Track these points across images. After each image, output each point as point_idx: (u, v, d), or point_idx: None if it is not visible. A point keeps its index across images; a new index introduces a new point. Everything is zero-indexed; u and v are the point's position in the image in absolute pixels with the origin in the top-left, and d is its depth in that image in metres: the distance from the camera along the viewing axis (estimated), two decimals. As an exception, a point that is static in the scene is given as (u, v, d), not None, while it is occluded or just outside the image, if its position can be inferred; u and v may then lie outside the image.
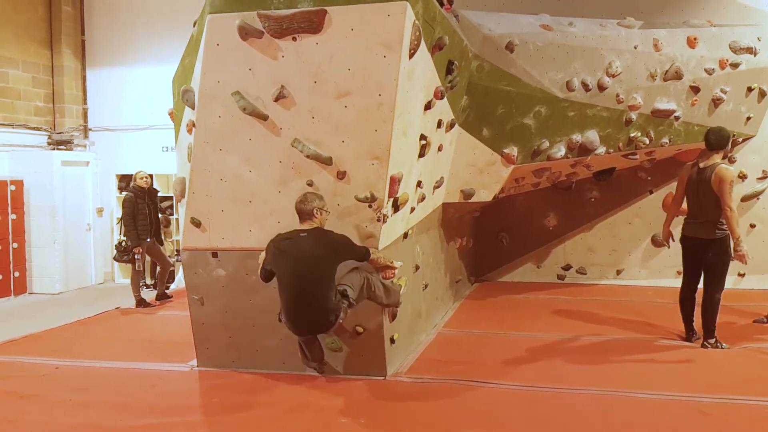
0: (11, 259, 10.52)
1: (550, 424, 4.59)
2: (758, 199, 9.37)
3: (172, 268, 10.33)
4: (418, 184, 6.01)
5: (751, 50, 8.70)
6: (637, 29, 8.15)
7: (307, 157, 5.01)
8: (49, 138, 11.82)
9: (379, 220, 5.24)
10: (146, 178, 9.03)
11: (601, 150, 8.04)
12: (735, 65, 8.61)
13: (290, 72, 4.80)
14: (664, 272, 9.78)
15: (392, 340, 5.71)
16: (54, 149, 11.68)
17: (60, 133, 11.89)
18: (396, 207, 5.42)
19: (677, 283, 9.43)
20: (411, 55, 4.80)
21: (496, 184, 7.62)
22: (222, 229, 5.51)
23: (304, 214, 4.99)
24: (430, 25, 5.08)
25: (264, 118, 4.97)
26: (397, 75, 4.66)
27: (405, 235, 6.10)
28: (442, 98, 5.82)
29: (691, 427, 4.50)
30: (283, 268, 4.96)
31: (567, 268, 10.09)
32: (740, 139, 9.21)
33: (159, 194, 9.74)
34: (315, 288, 4.86)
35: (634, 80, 7.96)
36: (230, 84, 4.93)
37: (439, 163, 6.72)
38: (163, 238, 9.59)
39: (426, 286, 6.95)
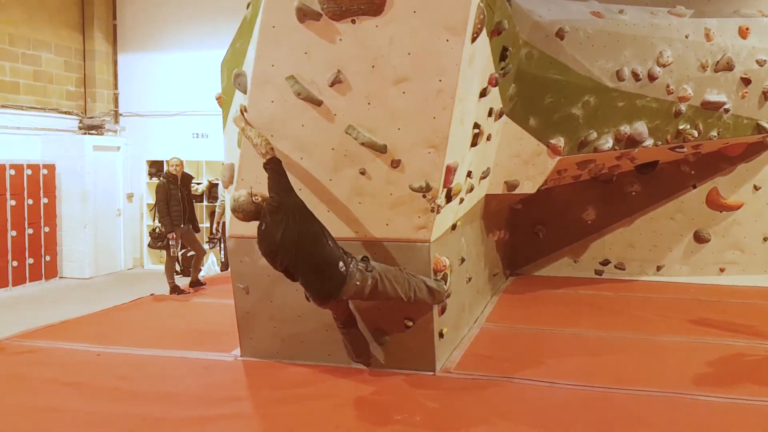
0: (42, 244, 10.50)
1: (611, 425, 4.42)
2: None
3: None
4: (468, 174, 5.83)
5: (804, 41, 8.40)
6: (688, 18, 7.89)
7: (362, 144, 4.85)
8: (80, 122, 11.77)
9: (433, 211, 5.07)
10: (178, 164, 8.91)
11: (649, 142, 7.81)
12: (787, 57, 8.33)
13: (347, 56, 4.63)
14: (706, 269, 9.55)
15: (441, 335, 5.56)
16: (85, 134, 11.62)
17: (91, 117, 11.83)
18: (449, 197, 5.25)
19: (719, 280, 9.38)
20: (473, 39, 4.61)
21: (541, 175, 7.42)
22: (270, 217, 5.37)
23: (247, 214, 4.84)
24: (491, 9, 4.89)
25: (318, 103, 4.81)
26: (459, 60, 4.47)
27: (453, 227, 5.94)
28: (496, 85, 5.63)
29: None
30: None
31: (605, 263, 9.87)
32: (787, 134, 8.92)
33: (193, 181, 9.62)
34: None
35: (684, 70, 7.71)
36: (285, 68, 4.76)
37: (487, 153, 6.53)
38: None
39: (470, 279, 6.78)
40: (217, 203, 10.83)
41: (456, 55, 4.47)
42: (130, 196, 11.99)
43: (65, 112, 11.53)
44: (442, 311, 5.55)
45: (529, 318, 7.34)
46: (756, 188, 9.25)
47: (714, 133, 8.26)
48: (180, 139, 12.08)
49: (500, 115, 6.41)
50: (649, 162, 9.22)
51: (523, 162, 7.22)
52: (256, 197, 4.81)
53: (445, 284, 5.32)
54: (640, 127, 7.66)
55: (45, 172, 10.54)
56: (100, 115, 11.91)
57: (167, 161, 8.93)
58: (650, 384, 5.14)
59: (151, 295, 8.70)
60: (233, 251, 5.72)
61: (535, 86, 6.83)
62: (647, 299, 8.42)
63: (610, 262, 9.86)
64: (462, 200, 5.91)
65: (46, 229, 10.58)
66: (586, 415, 4.57)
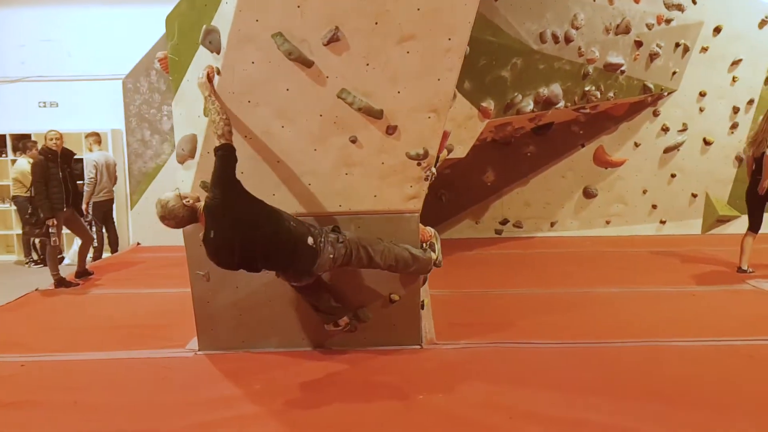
0: None
1: (613, 378, 4.48)
2: (679, 150, 9.95)
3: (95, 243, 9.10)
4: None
5: (680, 7, 9.09)
6: (595, -18, 8.19)
7: (357, 110, 4.45)
8: None
9: (426, 179, 4.82)
10: (58, 138, 7.76)
11: (561, 104, 8.07)
12: (668, 21, 8.97)
13: (348, 11, 4.18)
14: (594, 222, 10.19)
15: (422, 306, 5.36)
16: None
17: None
18: (437, 165, 5.01)
19: (606, 232, 10.04)
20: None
21: (471, 139, 7.40)
22: (237, 194, 4.79)
23: (180, 219, 4.25)
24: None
25: (308, 64, 4.32)
26: (472, 17, 4.21)
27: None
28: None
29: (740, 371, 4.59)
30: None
31: (504, 222, 10.19)
32: (665, 93, 9.67)
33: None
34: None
35: (592, 33, 8.02)
36: (271, 24, 4.20)
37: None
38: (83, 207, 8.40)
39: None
40: (85, 180, 9.62)
41: (470, 11, 4.20)
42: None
43: None
44: (424, 281, 5.34)
45: (466, 281, 7.36)
46: (636, 145, 9.97)
47: (611, 94, 8.72)
48: (23, 108, 10.63)
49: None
50: (546, 123, 9.57)
51: (457, 125, 7.12)
52: (187, 200, 4.21)
53: (434, 252, 5.10)
54: (556, 89, 7.88)
55: None
56: None
57: (45, 135, 7.72)
58: (627, 335, 5.34)
59: (36, 290, 7.56)
60: (190, 235, 5.05)
61: (472, 48, 6.70)
62: (560, 254, 8.82)
63: (508, 221, 10.19)
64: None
65: None
66: (594, 370, 4.61)
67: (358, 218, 4.91)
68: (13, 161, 10.08)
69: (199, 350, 5.25)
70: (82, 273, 8.22)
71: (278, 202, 4.78)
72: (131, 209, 10.42)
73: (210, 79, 4.36)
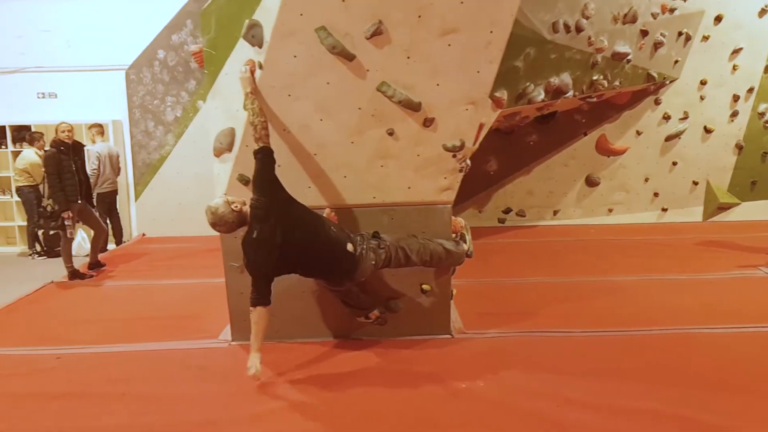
0: None
1: (649, 365, 4.60)
2: (680, 138, 10.10)
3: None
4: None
5: (682, -4, 9.20)
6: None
7: (397, 102, 4.48)
8: None
9: (461, 171, 4.88)
10: (70, 130, 7.70)
11: (570, 93, 8.14)
12: (672, 10, 9.07)
13: (392, 4, 4.21)
14: (596, 210, 10.32)
15: (451, 295, 5.43)
16: None
17: None
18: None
19: (608, 220, 10.18)
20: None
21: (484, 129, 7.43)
22: (273, 187, 4.82)
23: (230, 225, 4.28)
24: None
25: (350, 58, 4.35)
26: (515, 10, 4.26)
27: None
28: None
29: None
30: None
31: (507, 211, 10.28)
32: (667, 81, 9.80)
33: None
34: None
35: (601, 23, 8.08)
36: (316, 18, 4.23)
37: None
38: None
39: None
40: (89, 172, 9.54)
41: (513, 3, 4.25)
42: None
43: None
44: (453, 272, 5.42)
45: (480, 271, 7.41)
46: (638, 133, 10.09)
47: (617, 82, 8.82)
48: (22, 100, 10.49)
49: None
50: (550, 112, 9.65)
51: (471, 116, 7.17)
52: (235, 205, 4.24)
53: (465, 244, 5.17)
54: (566, 78, 7.94)
55: None
56: None
57: (57, 127, 7.65)
58: (653, 323, 5.46)
59: (52, 282, 7.53)
60: (224, 227, 5.07)
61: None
62: (566, 242, 8.94)
63: (511, 210, 10.30)
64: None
65: None
66: (629, 358, 4.72)
67: (392, 210, 4.97)
68: (15, 153, 9.96)
69: (232, 341, 5.28)
70: (95, 264, 8.19)
71: (313, 195, 4.84)
72: (136, 200, 10.35)
73: (252, 73, 4.37)
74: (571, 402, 4.04)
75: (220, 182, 4.85)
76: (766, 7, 9.73)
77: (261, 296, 4.29)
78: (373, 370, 4.68)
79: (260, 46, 4.38)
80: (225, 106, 4.69)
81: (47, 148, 7.71)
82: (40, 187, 8.80)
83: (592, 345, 5.05)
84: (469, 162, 4.88)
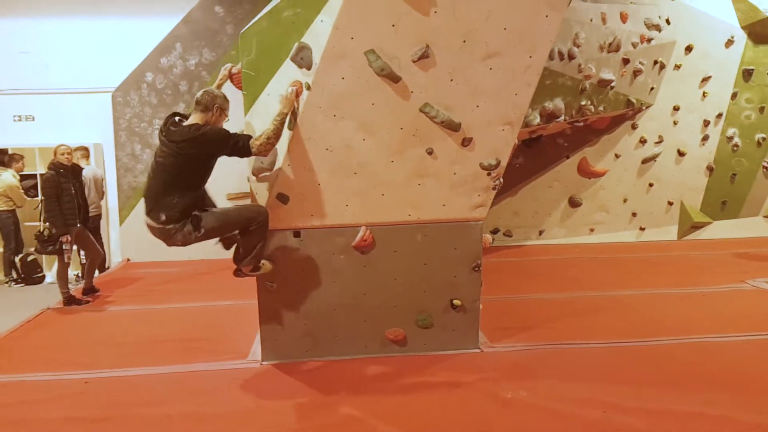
0: None
1: (677, 372, 4.83)
2: (655, 161, 10.56)
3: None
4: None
5: (658, 27, 9.70)
6: (590, 2, 8.65)
7: (440, 123, 4.65)
8: None
9: (494, 189, 5.06)
10: (69, 152, 7.59)
11: (562, 117, 8.48)
12: (649, 40, 9.57)
13: (438, 29, 4.38)
14: (578, 230, 10.65)
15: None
16: None
17: None
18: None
19: (590, 239, 10.52)
20: (559, 15, 4.66)
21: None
22: (311, 206, 4.91)
23: (200, 105, 4.43)
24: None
25: (396, 80, 4.50)
26: (553, 36, 4.49)
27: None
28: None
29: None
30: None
31: (495, 231, 10.53)
32: (644, 107, 10.27)
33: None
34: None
35: (590, 51, 8.48)
36: (365, 41, 4.36)
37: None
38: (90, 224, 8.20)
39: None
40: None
41: (551, 30, 4.48)
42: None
43: None
44: (480, 285, 5.58)
45: (484, 289, 7.59)
46: (617, 156, 10.50)
47: (601, 108, 9.22)
48: (-4, 122, 10.29)
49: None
50: (537, 136, 9.99)
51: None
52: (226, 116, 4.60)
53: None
54: (559, 103, 8.29)
55: None
56: None
57: (56, 149, 7.52)
58: (668, 333, 5.72)
59: (48, 309, 7.34)
60: (260, 246, 5.11)
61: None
62: (555, 261, 9.21)
63: (499, 230, 10.54)
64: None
65: None
66: (656, 366, 4.95)
67: (425, 227, 5.10)
68: (-8, 176, 9.69)
69: (263, 361, 5.29)
70: (90, 290, 8.02)
71: (351, 213, 4.95)
72: (120, 225, 10.18)
73: (298, 95, 4.47)
74: (616, 408, 4.21)
75: (260, 201, 4.90)
76: (732, 38, 10.33)
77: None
78: (413, 383, 4.76)
79: (309, 68, 4.49)
80: (266, 127, 4.76)
81: (43, 170, 7.57)
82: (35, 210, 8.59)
83: (613, 355, 5.26)
84: (501, 180, 5.07)
